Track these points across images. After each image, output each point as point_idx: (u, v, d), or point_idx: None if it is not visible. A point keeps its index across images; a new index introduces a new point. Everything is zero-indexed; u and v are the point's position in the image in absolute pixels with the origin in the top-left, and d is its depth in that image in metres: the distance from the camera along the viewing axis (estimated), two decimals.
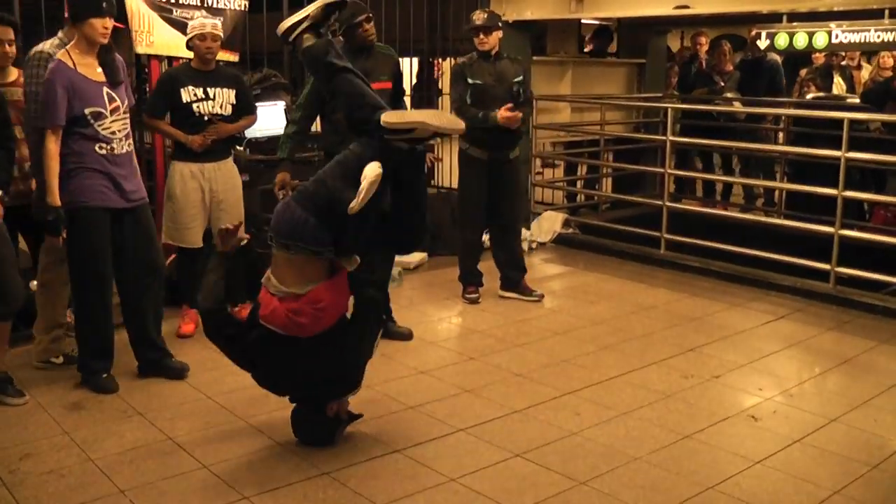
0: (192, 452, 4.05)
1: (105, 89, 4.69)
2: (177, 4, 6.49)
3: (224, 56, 6.67)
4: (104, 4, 4.56)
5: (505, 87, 6.44)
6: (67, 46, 4.69)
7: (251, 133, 6.45)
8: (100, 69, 4.70)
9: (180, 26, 6.28)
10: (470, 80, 6.40)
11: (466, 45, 7.25)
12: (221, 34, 5.64)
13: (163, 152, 6.38)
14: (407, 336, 5.75)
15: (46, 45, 4.99)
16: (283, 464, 3.97)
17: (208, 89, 5.57)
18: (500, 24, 6.49)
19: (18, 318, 5.40)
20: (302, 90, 5.73)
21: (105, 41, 4.66)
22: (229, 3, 6.87)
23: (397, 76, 5.85)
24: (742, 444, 4.21)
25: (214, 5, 6.76)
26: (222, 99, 5.62)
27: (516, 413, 4.55)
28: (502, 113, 6.17)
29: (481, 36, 6.40)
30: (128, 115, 4.85)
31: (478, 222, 6.74)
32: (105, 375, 4.86)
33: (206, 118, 5.54)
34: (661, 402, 4.69)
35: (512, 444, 4.16)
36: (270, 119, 6.59)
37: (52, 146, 4.57)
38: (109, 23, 4.64)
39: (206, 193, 5.60)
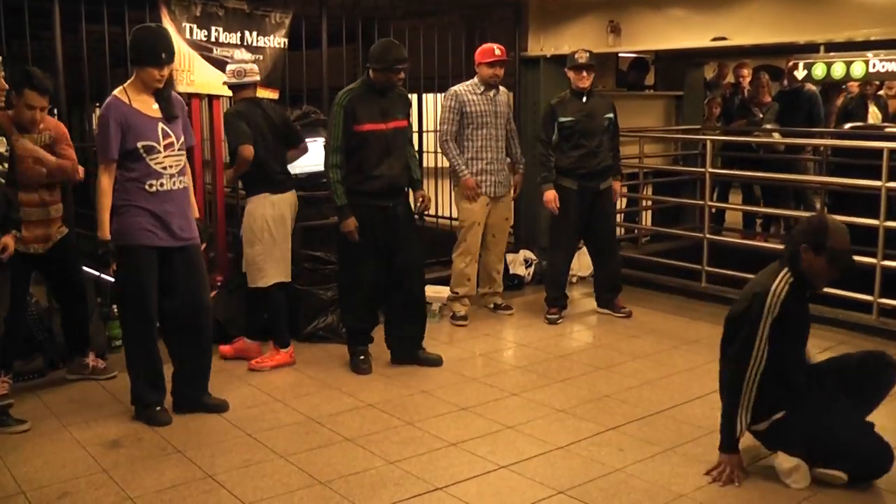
0: (231, 490, 4.02)
1: (160, 125, 4.75)
2: (217, 43, 6.57)
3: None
4: (163, 55, 4.71)
5: (597, 123, 6.83)
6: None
7: (291, 169, 6.42)
8: (155, 105, 4.77)
9: (220, 65, 6.36)
10: (561, 119, 6.76)
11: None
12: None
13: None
14: (436, 362, 5.84)
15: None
16: (323, 502, 3.94)
17: None
18: (595, 64, 6.81)
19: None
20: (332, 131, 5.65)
21: (160, 87, 4.77)
22: (269, 41, 6.94)
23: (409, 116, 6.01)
24: None
25: (254, 44, 6.84)
26: None
27: (559, 449, 4.49)
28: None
29: (584, 74, 6.74)
30: (183, 151, 4.89)
31: (568, 250, 7.15)
32: (158, 408, 4.87)
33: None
34: (706, 438, 4.59)
35: (555, 481, 4.10)
36: (310, 155, 6.58)
37: (105, 181, 4.67)
38: (166, 71, 4.76)
39: None
